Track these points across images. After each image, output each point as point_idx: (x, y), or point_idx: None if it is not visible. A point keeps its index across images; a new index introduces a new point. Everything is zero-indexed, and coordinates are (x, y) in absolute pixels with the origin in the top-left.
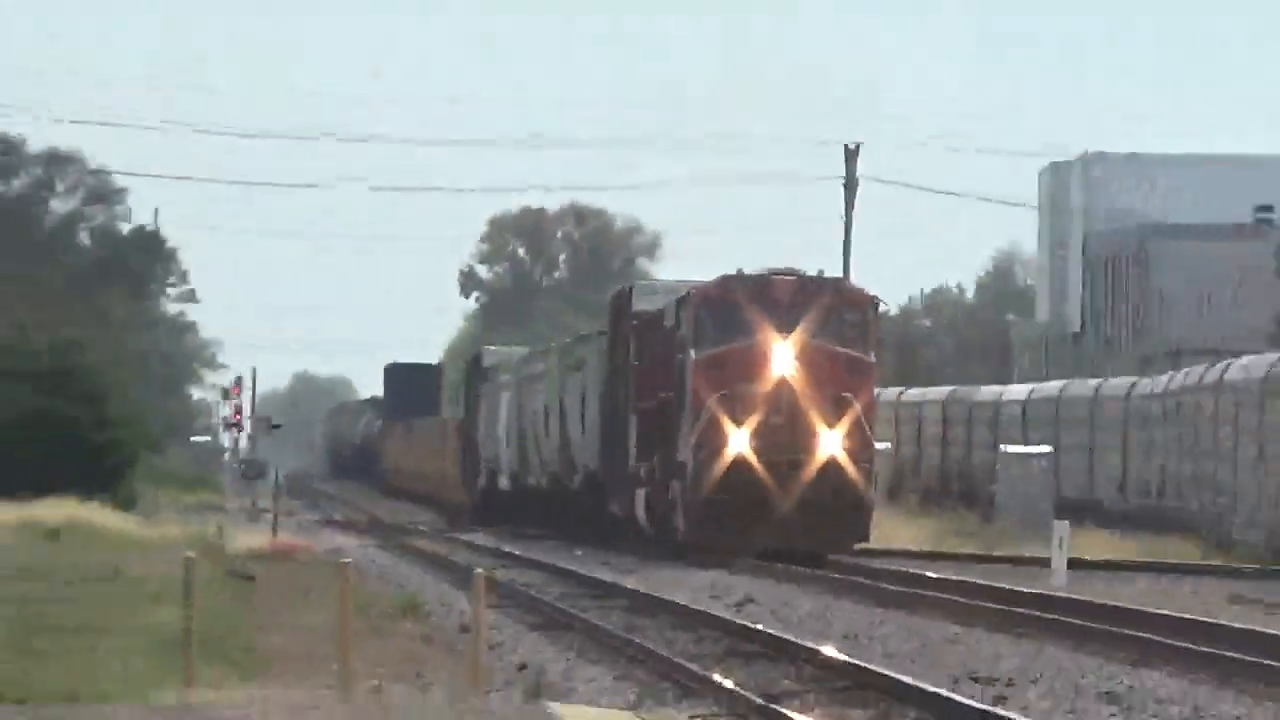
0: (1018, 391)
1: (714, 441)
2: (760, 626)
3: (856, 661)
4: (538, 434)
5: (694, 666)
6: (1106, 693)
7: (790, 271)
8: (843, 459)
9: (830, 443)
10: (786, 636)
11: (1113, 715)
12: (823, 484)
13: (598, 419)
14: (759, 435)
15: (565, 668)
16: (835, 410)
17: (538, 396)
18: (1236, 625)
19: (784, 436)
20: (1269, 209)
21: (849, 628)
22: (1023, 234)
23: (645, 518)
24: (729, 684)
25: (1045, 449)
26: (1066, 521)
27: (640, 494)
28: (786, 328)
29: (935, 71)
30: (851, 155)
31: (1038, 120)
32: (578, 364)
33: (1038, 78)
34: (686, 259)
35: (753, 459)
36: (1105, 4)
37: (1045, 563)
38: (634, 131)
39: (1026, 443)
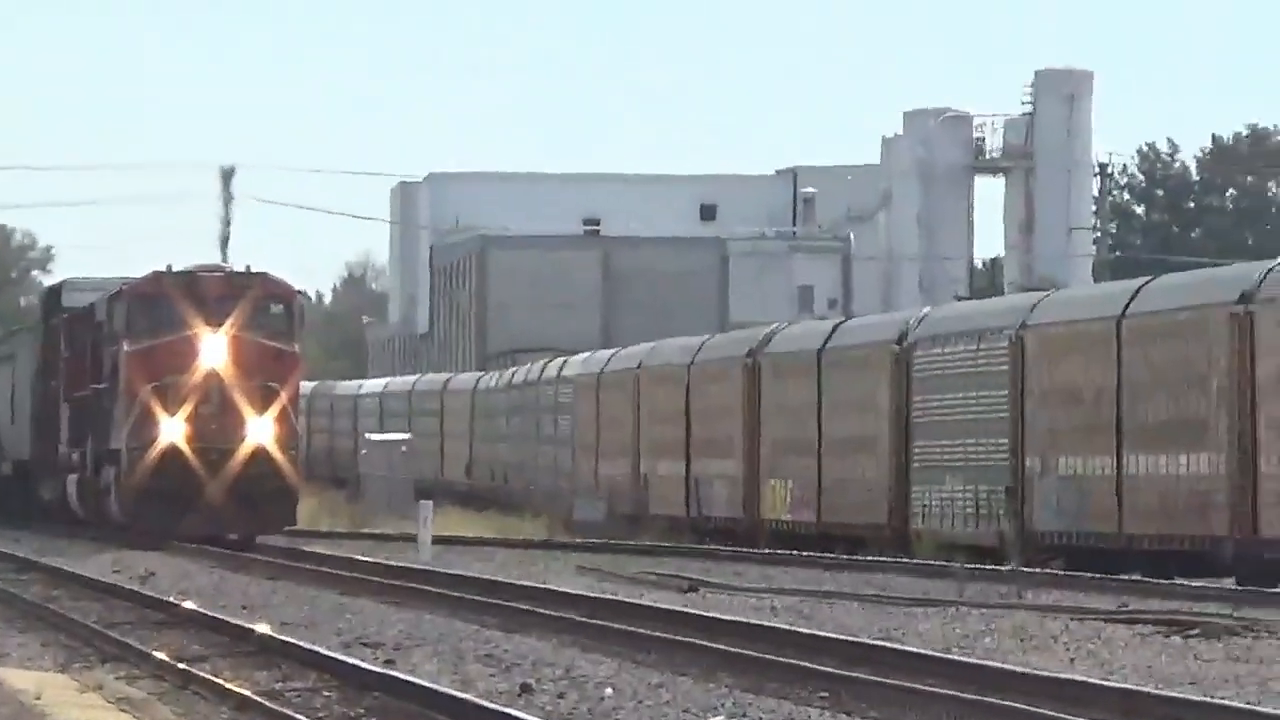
0: (374, 385)
1: (147, 430)
2: (163, 596)
3: (256, 628)
4: None
5: (111, 633)
6: (486, 655)
7: (218, 268)
8: (271, 446)
9: (259, 431)
10: (192, 607)
11: (493, 674)
12: (252, 470)
13: (29, 409)
14: (191, 424)
15: None
16: (263, 400)
17: None
18: (590, 594)
19: (214, 425)
20: (596, 222)
21: (245, 599)
22: (377, 246)
23: (77, 503)
24: (150, 650)
25: (405, 435)
26: (430, 501)
27: (72, 480)
28: (216, 321)
29: (300, 99)
30: (228, 175)
31: (388, 143)
32: (8, 357)
33: (383, 104)
34: (81, 270)
35: (185, 447)
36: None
37: (412, 539)
38: (31, 158)
39: (383, 431)
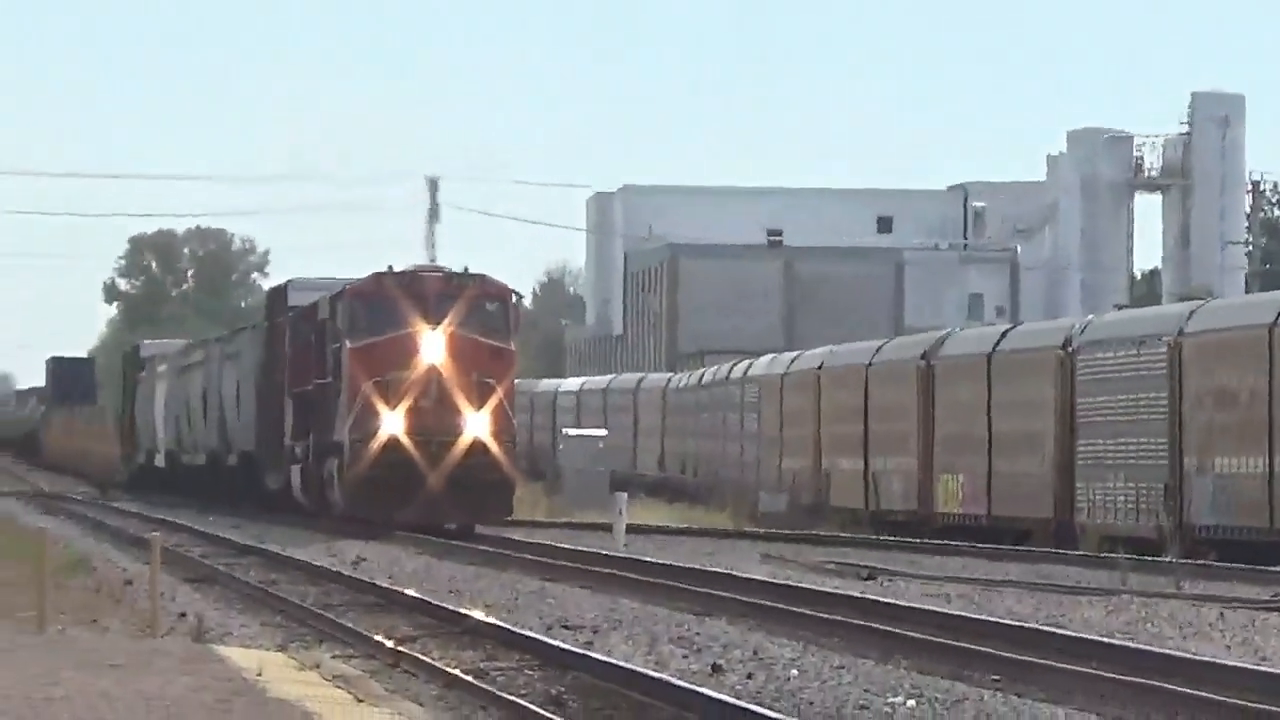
0: (571, 384)
1: (369, 423)
2: (376, 581)
3: (462, 610)
4: (193, 416)
5: (327, 614)
6: (679, 638)
7: (437, 268)
8: (488, 439)
9: (476, 424)
10: (397, 588)
11: (685, 656)
12: (470, 462)
13: (254, 403)
14: (411, 417)
15: (219, 616)
16: (480, 395)
17: (195, 383)
18: (774, 581)
19: (433, 419)
20: (779, 233)
21: (451, 584)
22: (574, 253)
23: (301, 492)
24: (364, 630)
25: (601, 431)
26: (625, 493)
27: (296, 470)
28: (435, 319)
29: (500, 113)
30: (433, 185)
31: (584, 156)
32: (235, 354)
33: (579, 117)
34: (297, 273)
35: (405, 439)
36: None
37: (608, 528)
38: (250, 168)
39: (580, 427)
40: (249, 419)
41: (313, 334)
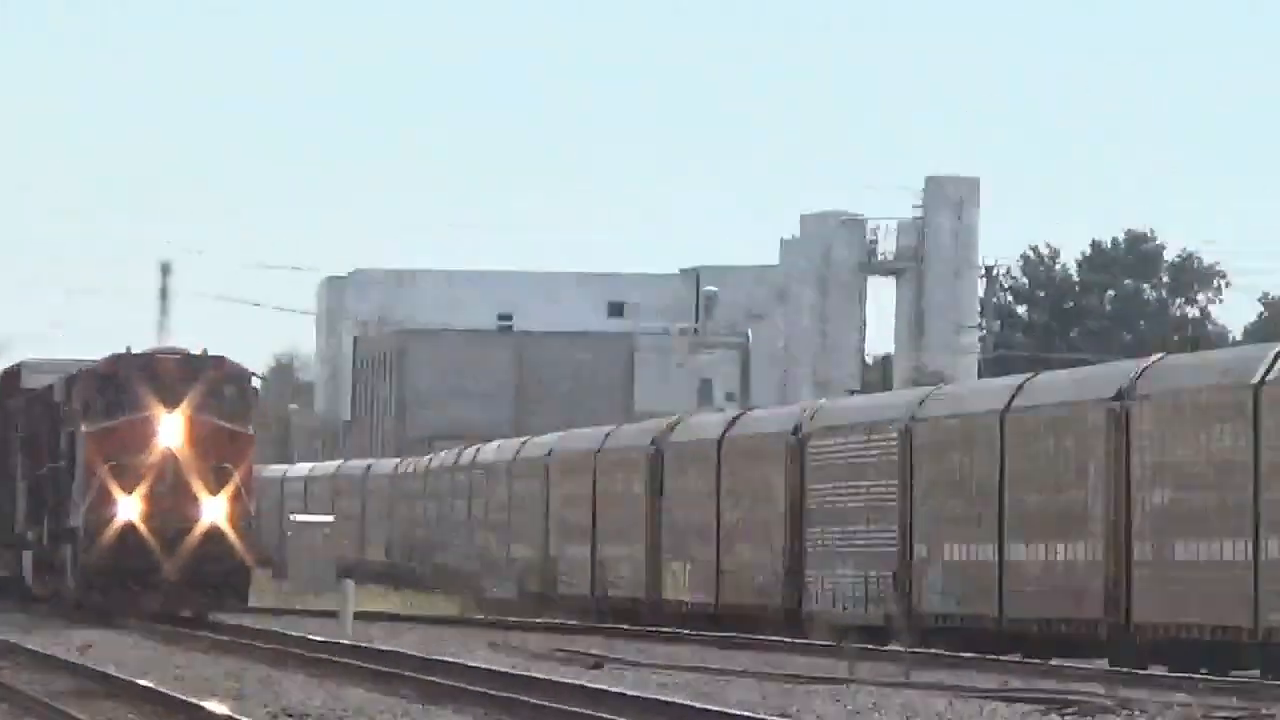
0: (299, 470)
1: (105, 509)
2: (105, 669)
3: (183, 697)
4: None
5: (55, 703)
6: None
7: (175, 351)
8: (225, 525)
9: (213, 510)
10: (124, 677)
11: None
12: (207, 549)
13: None
14: (147, 502)
15: None
16: (218, 480)
17: None
18: (501, 670)
19: (170, 504)
20: (509, 317)
21: (178, 671)
22: (303, 338)
23: (33, 579)
24: (87, 718)
25: (329, 517)
26: (352, 580)
27: (28, 556)
28: (172, 402)
29: (233, 195)
30: (166, 270)
31: (314, 239)
32: None
33: (310, 200)
34: (29, 355)
35: (141, 525)
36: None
37: (334, 615)
38: None
39: (308, 513)
40: None
41: (48, 416)
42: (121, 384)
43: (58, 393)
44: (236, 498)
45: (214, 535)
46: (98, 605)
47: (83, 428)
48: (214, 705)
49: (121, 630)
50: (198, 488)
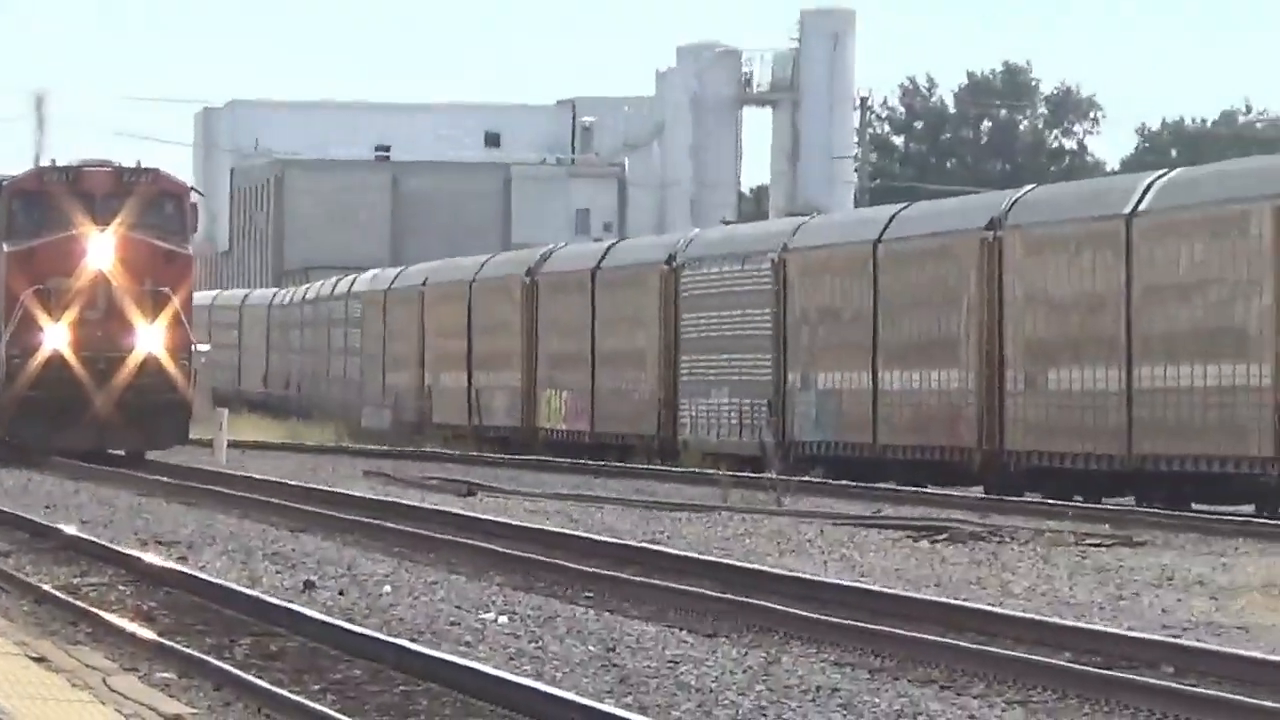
0: None
1: (30, 338)
2: None
3: (61, 527)
4: None
5: None
6: (274, 554)
7: (105, 163)
8: (162, 356)
9: (149, 339)
10: None
11: (279, 572)
12: (142, 381)
13: None
14: (76, 331)
15: None
16: (154, 306)
17: None
18: (373, 497)
19: (101, 332)
20: (386, 149)
21: (49, 499)
22: (180, 169)
23: None
24: None
25: (205, 346)
26: (225, 409)
27: None
28: (104, 219)
29: (110, 33)
30: (40, 100)
31: (192, 70)
32: None
33: (187, 30)
34: None
35: (70, 355)
36: None
37: (209, 444)
38: None
39: None
40: None
41: None
42: (46, 199)
43: None
44: (175, 324)
45: (150, 366)
46: (24, 443)
47: (4, 247)
48: (82, 532)
49: (45, 471)
50: (132, 314)
